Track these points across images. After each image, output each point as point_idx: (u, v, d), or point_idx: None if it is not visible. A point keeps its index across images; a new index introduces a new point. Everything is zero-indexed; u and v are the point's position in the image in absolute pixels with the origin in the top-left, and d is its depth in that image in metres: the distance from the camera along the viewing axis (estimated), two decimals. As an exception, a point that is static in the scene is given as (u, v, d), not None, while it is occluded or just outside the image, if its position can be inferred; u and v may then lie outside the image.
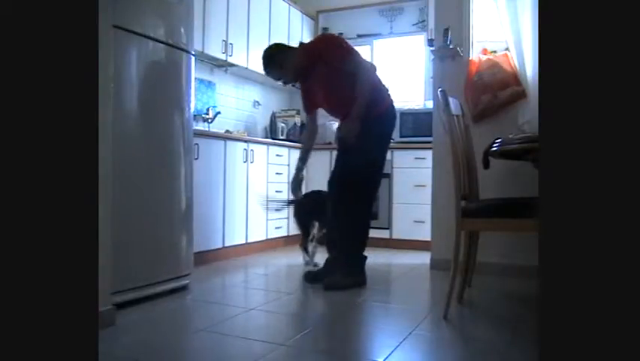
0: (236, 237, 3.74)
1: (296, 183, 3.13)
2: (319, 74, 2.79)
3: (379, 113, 2.80)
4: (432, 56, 3.51)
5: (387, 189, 4.46)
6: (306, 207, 3.32)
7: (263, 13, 4.53)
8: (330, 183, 2.87)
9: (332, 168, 2.97)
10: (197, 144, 3.16)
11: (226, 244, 3.60)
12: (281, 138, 4.79)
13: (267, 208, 3.72)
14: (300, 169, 3.12)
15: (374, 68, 2.83)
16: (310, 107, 3.06)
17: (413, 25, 5.13)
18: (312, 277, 2.83)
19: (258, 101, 4.96)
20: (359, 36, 5.26)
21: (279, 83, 3.10)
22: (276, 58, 2.89)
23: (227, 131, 4.17)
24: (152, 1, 2.50)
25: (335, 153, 3.01)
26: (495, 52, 3.28)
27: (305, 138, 3.21)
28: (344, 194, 2.79)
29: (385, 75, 5.32)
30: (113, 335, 1.89)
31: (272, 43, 3.14)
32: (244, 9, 4.27)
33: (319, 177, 4.10)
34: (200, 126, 4.05)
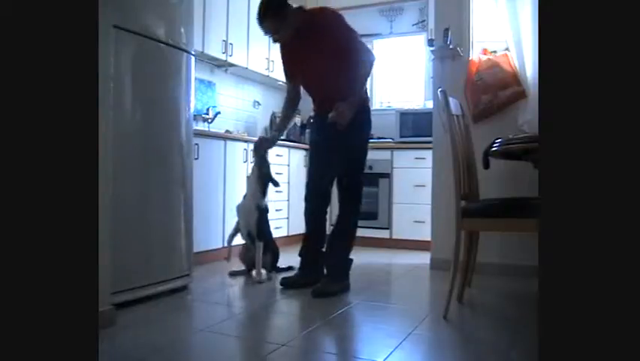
0: (236, 237, 3.73)
1: (263, 144, 3.00)
2: (321, 47, 2.59)
3: (366, 107, 2.75)
4: (432, 56, 3.51)
5: (387, 189, 4.46)
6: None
7: (263, 13, 4.52)
8: (334, 185, 2.77)
9: (319, 168, 2.82)
10: (197, 144, 3.16)
11: (226, 244, 3.60)
12: (281, 138, 4.77)
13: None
14: (274, 138, 3.03)
15: (374, 59, 2.69)
16: (292, 77, 2.86)
17: (413, 25, 5.13)
18: (289, 283, 2.76)
19: (258, 101, 4.96)
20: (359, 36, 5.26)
21: (269, 37, 2.76)
22: (280, 8, 2.59)
23: (227, 131, 4.17)
24: (152, 1, 2.50)
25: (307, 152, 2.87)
26: (495, 52, 3.28)
27: (285, 105, 2.98)
28: (357, 194, 2.75)
29: (385, 75, 5.37)
30: (113, 335, 1.88)
31: None
32: (244, 9, 4.27)
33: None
34: (200, 126, 4.05)
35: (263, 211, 3.01)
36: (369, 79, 2.77)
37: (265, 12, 2.60)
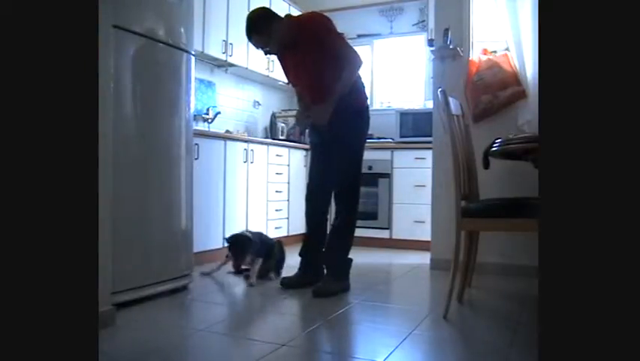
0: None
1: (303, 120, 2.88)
2: (309, 54, 2.62)
3: (363, 106, 2.75)
4: (432, 56, 3.51)
5: (387, 189, 4.46)
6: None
7: (263, 13, 4.52)
8: (331, 185, 2.76)
9: (319, 169, 2.81)
10: (197, 144, 3.16)
11: (226, 244, 3.60)
12: (281, 138, 4.79)
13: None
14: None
15: (361, 62, 2.67)
16: (292, 83, 2.92)
17: (413, 25, 5.14)
18: (289, 283, 2.76)
19: (258, 101, 4.96)
20: (359, 36, 5.27)
21: (262, 52, 2.78)
22: (266, 23, 2.63)
23: (227, 131, 4.17)
24: (152, 1, 2.50)
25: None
26: (495, 52, 3.28)
27: (298, 100, 2.94)
28: (354, 193, 2.74)
29: (385, 75, 5.38)
30: (113, 335, 1.88)
31: (258, 7, 2.86)
32: (244, 9, 4.26)
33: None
34: (200, 126, 4.05)
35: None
36: (368, 80, 2.78)
37: (251, 28, 2.65)
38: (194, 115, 3.29)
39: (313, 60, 2.63)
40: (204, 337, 1.95)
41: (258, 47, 2.73)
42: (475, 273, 2.83)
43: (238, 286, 2.90)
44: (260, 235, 3.18)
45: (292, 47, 2.68)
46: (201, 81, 4.17)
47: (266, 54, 2.82)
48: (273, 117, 4.98)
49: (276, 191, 4.24)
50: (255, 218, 3.96)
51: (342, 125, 2.60)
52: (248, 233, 3.09)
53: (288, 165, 4.43)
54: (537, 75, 3.02)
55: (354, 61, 2.62)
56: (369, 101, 2.89)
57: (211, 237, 3.47)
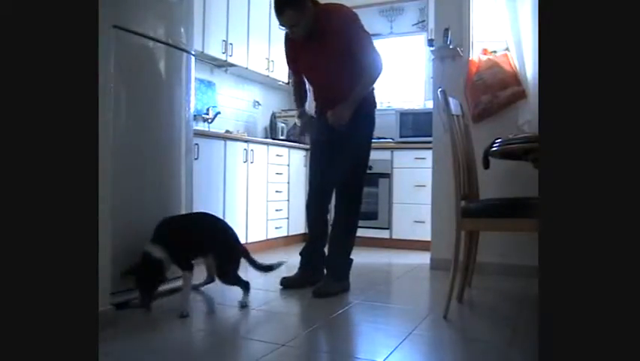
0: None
1: (306, 124, 2.80)
2: (332, 48, 2.51)
3: (375, 108, 2.74)
4: (432, 56, 3.51)
5: (387, 189, 4.46)
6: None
7: (263, 13, 4.53)
8: (337, 184, 2.72)
9: (323, 167, 2.76)
10: (197, 144, 3.16)
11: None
12: (281, 138, 4.79)
13: None
14: (302, 112, 2.82)
15: (383, 67, 2.58)
16: (296, 71, 2.82)
17: (413, 25, 5.14)
18: (289, 283, 2.75)
19: (258, 101, 4.96)
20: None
21: (283, 29, 2.57)
22: (304, 1, 2.45)
23: (227, 131, 4.17)
24: (152, 1, 2.50)
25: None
26: (495, 52, 3.28)
27: (295, 90, 2.90)
28: (358, 194, 2.72)
29: (385, 75, 5.36)
30: (113, 335, 1.88)
31: None
32: (244, 9, 4.27)
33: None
34: (200, 126, 4.05)
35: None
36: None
37: (287, 4, 2.43)
38: (194, 115, 3.29)
39: (334, 55, 2.53)
40: (204, 337, 1.95)
41: (284, 25, 2.52)
42: (475, 273, 2.83)
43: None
44: (193, 221, 2.47)
45: (315, 36, 2.53)
46: (201, 81, 4.17)
47: (289, 35, 2.62)
48: (273, 117, 4.98)
49: (276, 191, 4.24)
50: (255, 218, 3.96)
51: (358, 125, 2.58)
52: (157, 251, 2.17)
53: (288, 165, 4.43)
54: (537, 75, 3.02)
55: (377, 65, 2.55)
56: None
57: (211, 237, 3.46)
